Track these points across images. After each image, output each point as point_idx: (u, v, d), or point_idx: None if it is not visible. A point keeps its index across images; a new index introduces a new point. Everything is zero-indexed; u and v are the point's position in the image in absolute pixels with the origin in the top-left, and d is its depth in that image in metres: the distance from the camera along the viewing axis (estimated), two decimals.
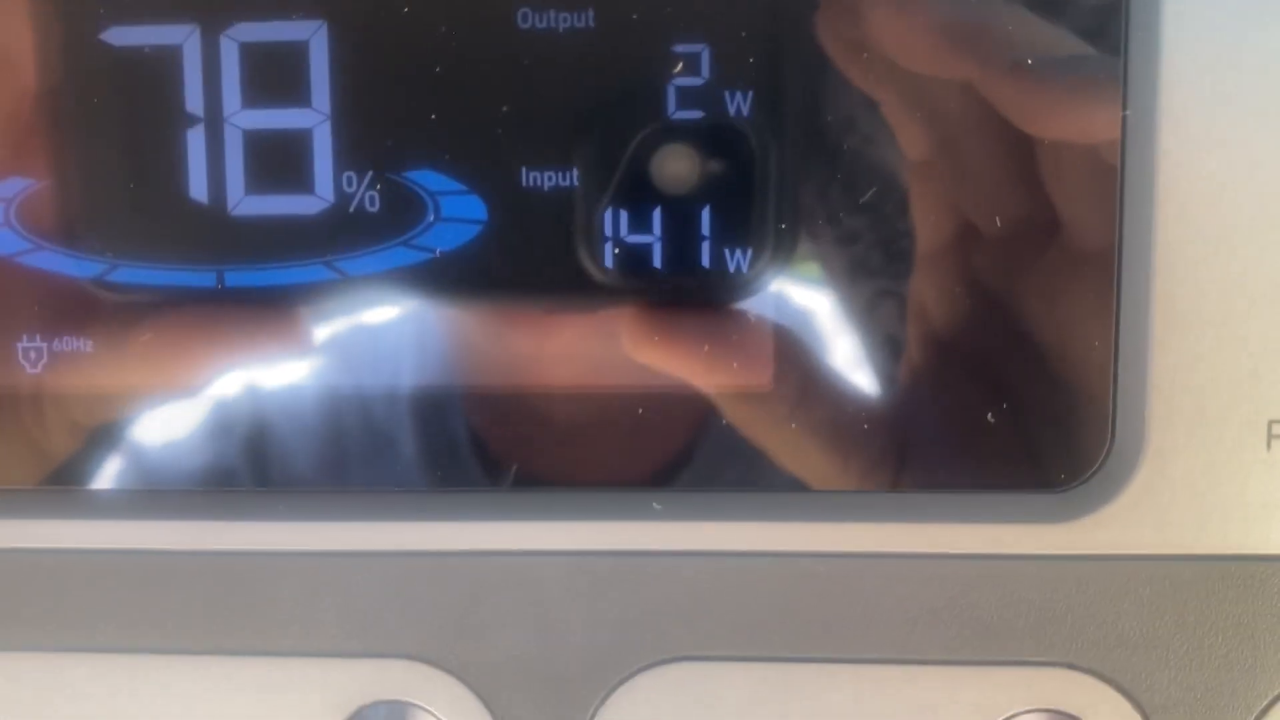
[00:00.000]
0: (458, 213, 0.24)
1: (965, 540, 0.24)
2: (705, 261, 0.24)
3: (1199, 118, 0.22)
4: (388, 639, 0.25)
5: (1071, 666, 0.24)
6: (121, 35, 0.24)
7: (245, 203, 0.24)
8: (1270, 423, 0.23)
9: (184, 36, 0.24)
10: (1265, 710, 0.24)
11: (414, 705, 0.25)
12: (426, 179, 0.24)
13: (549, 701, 0.25)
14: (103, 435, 0.25)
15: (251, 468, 0.25)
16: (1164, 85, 0.22)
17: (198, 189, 0.24)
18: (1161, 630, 0.24)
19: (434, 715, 0.25)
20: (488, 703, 0.25)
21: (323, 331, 0.24)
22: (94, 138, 0.24)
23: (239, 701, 0.25)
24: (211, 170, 0.24)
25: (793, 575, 0.24)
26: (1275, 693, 0.24)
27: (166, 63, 0.24)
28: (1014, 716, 0.24)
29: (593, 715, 0.25)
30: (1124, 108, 0.22)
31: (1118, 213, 0.23)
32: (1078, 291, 0.23)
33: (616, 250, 0.24)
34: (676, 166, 0.23)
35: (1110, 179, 0.23)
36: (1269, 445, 0.23)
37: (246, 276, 0.24)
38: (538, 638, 0.25)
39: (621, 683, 0.25)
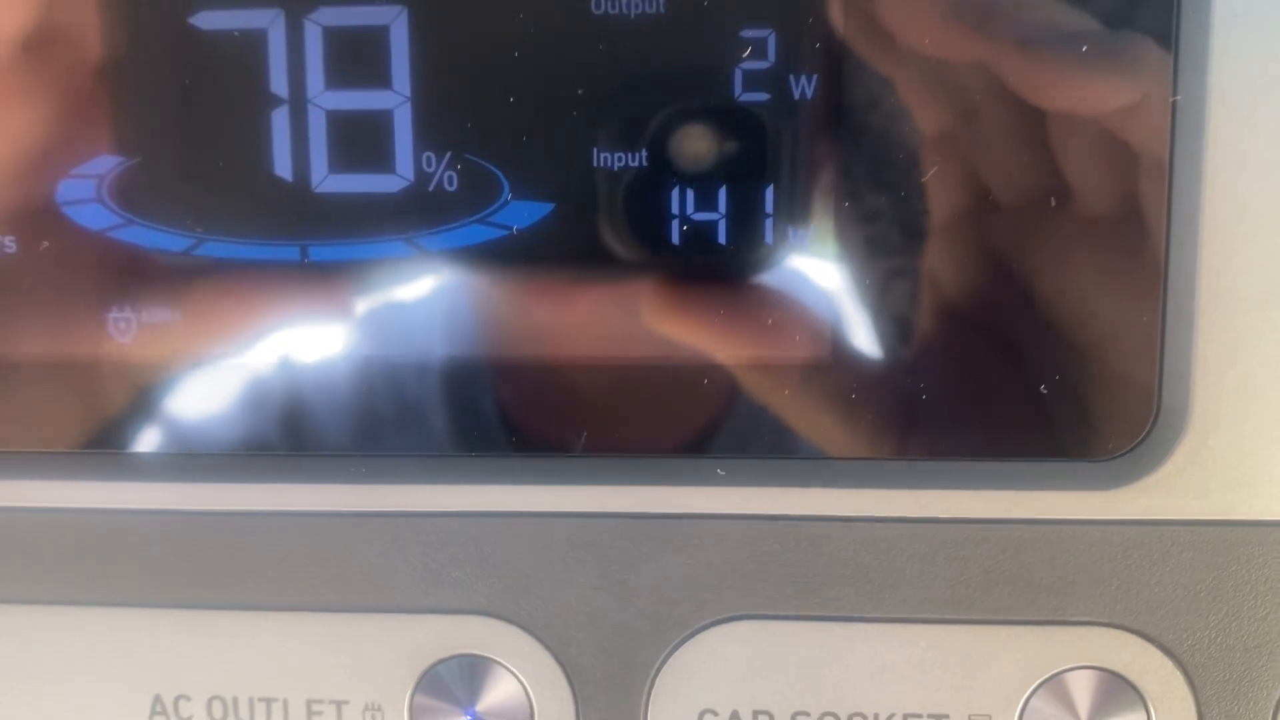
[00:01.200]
0: (531, 192, 0.25)
1: (1017, 506, 0.25)
2: (768, 238, 0.25)
3: (1248, 98, 0.23)
4: (463, 596, 0.26)
5: (1117, 626, 0.25)
6: (209, 19, 0.25)
7: (328, 181, 0.25)
8: None
9: (269, 20, 0.25)
10: None
11: (489, 659, 0.26)
12: (502, 160, 0.25)
13: (616, 655, 0.26)
14: (190, 402, 0.26)
15: (334, 432, 0.26)
16: (1213, 67, 0.23)
17: (282, 167, 0.25)
18: (1203, 593, 0.25)
19: (508, 668, 0.26)
20: (558, 656, 0.26)
21: (402, 304, 0.25)
22: (182, 118, 0.25)
23: (320, 655, 0.26)
24: (296, 149, 0.25)
25: (850, 539, 0.25)
26: None
27: (252, 46, 0.25)
28: (1061, 673, 0.25)
29: (658, 670, 0.26)
30: (1174, 92, 0.23)
31: (1168, 187, 0.23)
32: (1128, 265, 0.24)
33: (683, 228, 0.25)
34: (741, 148, 0.24)
35: (1161, 152, 0.23)
36: None
37: (329, 251, 0.25)
38: (605, 595, 0.26)
39: (686, 639, 0.26)
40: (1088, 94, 0.23)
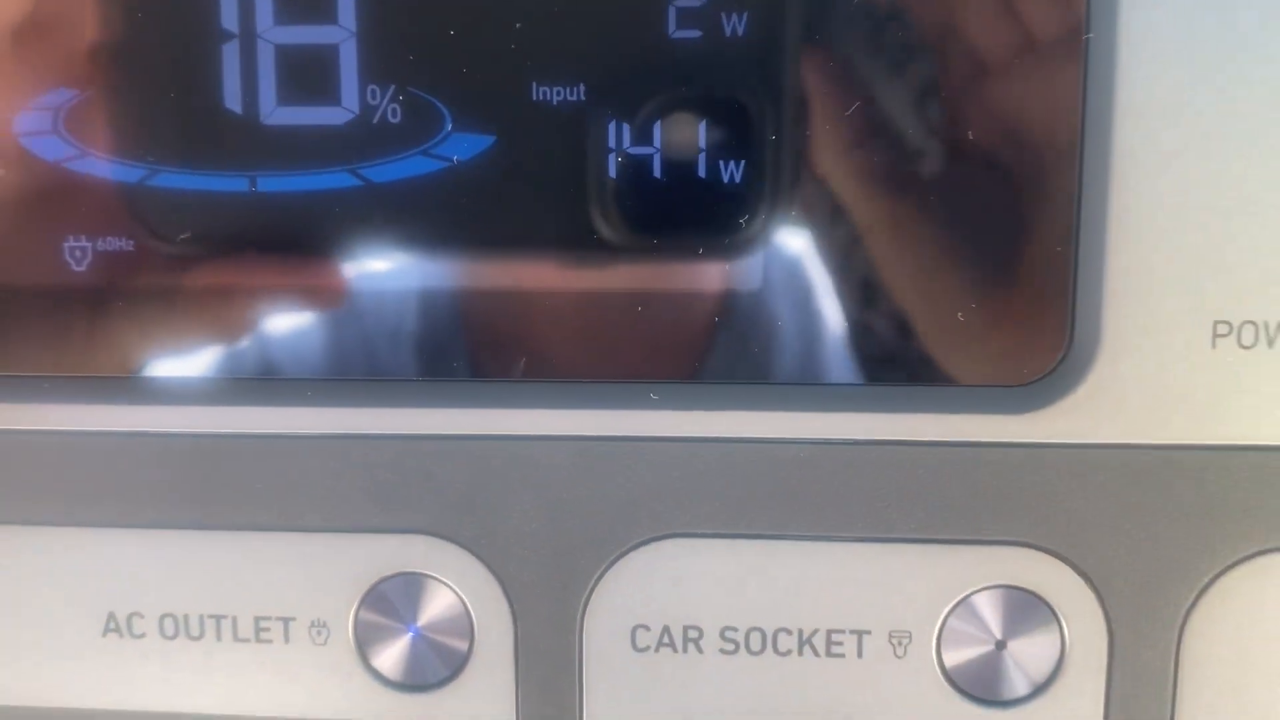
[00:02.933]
0: (472, 125, 0.25)
1: (935, 429, 0.26)
2: (701, 172, 0.25)
3: (1163, 22, 0.24)
4: (407, 516, 0.27)
5: (1031, 546, 0.26)
6: None
7: (277, 113, 0.26)
8: (1215, 323, 0.25)
9: None
10: (1206, 586, 0.26)
11: (430, 576, 0.27)
12: (444, 93, 0.25)
13: (553, 573, 0.27)
14: (142, 327, 0.27)
15: (280, 357, 0.27)
16: (1124, 4, 0.24)
17: (232, 100, 0.26)
18: (1113, 513, 0.26)
19: (448, 585, 0.27)
20: (497, 574, 0.27)
21: (347, 232, 0.26)
22: (136, 53, 0.26)
23: (268, 573, 0.27)
24: (245, 83, 0.26)
25: (776, 460, 0.26)
26: (1216, 570, 0.26)
27: None
28: (979, 590, 0.26)
29: (593, 586, 0.27)
30: (1086, 30, 0.24)
31: (1080, 125, 0.24)
32: (1042, 203, 0.25)
33: (619, 160, 0.25)
34: (674, 83, 0.25)
35: (1073, 91, 0.24)
36: (1214, 344, 0.25)
37: (277, 182, 0.26)
38: (543, 515, 0.26)
39: (620, 556, 0.27)
40: (1004, 30, 0.24)
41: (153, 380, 0.27)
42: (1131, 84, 0.24)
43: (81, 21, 0.26)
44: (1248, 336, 0.25)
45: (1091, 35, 0.24)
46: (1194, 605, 0.26)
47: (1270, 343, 0.25)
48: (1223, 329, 0.25)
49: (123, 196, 0.26)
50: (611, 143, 0.25)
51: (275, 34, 0.26)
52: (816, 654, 0.26)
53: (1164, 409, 0.25)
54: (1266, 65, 0.24)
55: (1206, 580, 0.26)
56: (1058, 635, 0.26)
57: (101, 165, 0.26)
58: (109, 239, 0.27)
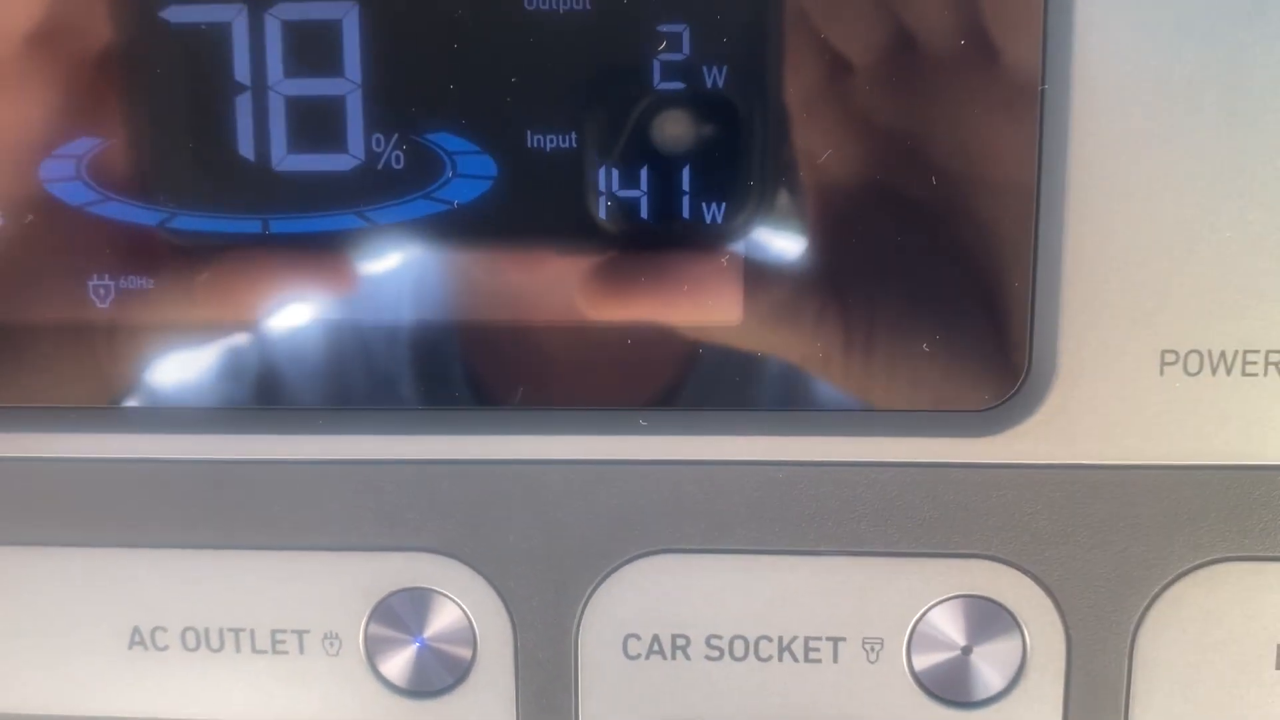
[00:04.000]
0: (472, 170, 0.27)
1: (904, 451, 0.27)
2: (685, 213, 0.26)
3: (1113, 75, 0.25)
4: (414, 536, 0.28)
5: (994, 559, 0.27)
6: (179, 13, 0.26)
7: (287, 160, 0.27)
8: (1163, 351, 0.26)
9: (233, 15, 0.26)
10: (1157, 595, 0.27)
11: (435, 591, 0.28)
12: (445, 140, 0.26)
13: (550, 586, 0.28)
14: (164, 362, 0.28)
15: (295, 389, 0.28)
16: (1077, 53, 0.25)
17: (245, 148, 0.27)
18: (1069, 528, 0.27)
19: (453, 599, 0.28)
20: (498, 588, 0.28)
21: (355, 271, 0.27)
22: (155, 103, 0.27)
23: (284, 590, 0.28)
24: (258, 132, 0.26)
25: (757, 481, 0.27)
26: (1166, 579, 0.27)
27: (218, 38, 0.26)
28: (946, 599, 0.27)
29: (587, 598, 0.28)
30: (1042, 81, 0.25)
31: (1036, 164, 0.25)
32: (1002, 236, 0.26)
33: (609, 203, 0.27)
34: (660, 131, 0.26)
35: (1031, 136, 0.25)
36: (1162, 371, 0.26)
37: (288, 224, 0.27)
38: (541, 533, 0.27)
39: (612, 571, 0.28)
40: (970, 83, 0.25)
41: (174, 410, 0.28)
42: (1084, 130, 0.25)
43: (104, 74, 0.27)
44: (1193, 364, 0.26)
45: (1046, 86, 0.25)
46: (1146, 612, 0.27)
47: (1214, 370, 0.26)
48: (1170, 357, 0.26)
49: (143, 238, 0.27)
50: (601, 186, 0.27)
51: (285, 86, 0.26)
52: (795, 660, 0.28)
53: (1116, 431, 0.26)
54: (1208, 113, 0.25)
55: (1157, 589, 0.27)
56: (1019, 641, 0.27)
57: (122, 209, 0.27)
58: (130, 278, 0.27)
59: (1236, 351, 0.26)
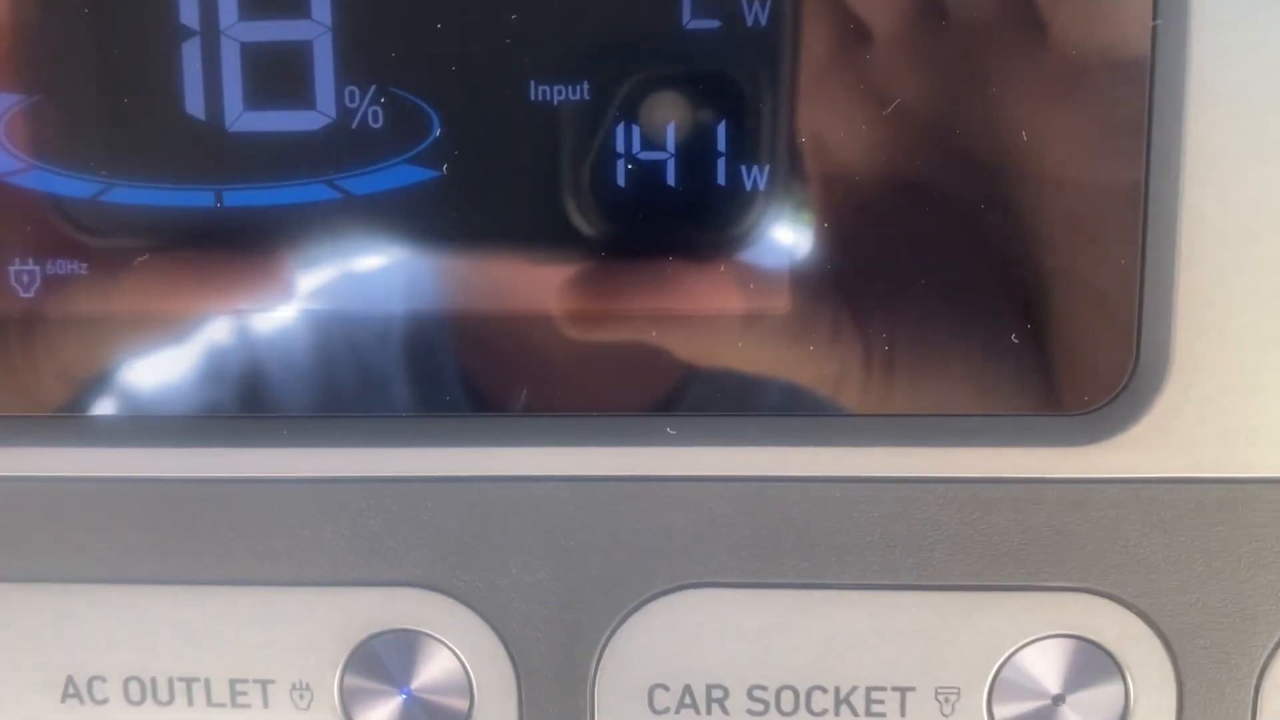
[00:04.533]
0: (463, 129, 0.24)
1: (985, 464, 0.24)
2: (720, 179, 0.24)
3: (1231, 35, 0.22)
4: (397, 567, 0.25)
5: (1093, 592, 0.25)
6: None
7: (244, 118, 0.24)
8: None
9: None
10: None
11: (424, 634, 0.26)
12: (431, 94, 0.24)
13: (561, 627, 0.25)
14: (99, 360, 0.25)
15: (254, 394, 0.25)
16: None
17: (194, 104, 0.24)
18: (1183, 554, 0.24)
19: (445, 643, 0.26)
20: (498, 630, 0.25)
21: (325, 252, 0.24)
22: (85, 51, 0.24)
23: (247, 631, 0.26)
24: (208, 85, 0.24)
25: (808, 500, 0.25)
26: None
27: None
28: (1032, 641, 0.25)
29: (606, 642, 0.25)
30: (1154, 17, 0.22)
31: (1146, 131, 0.23)
32: (1105, 209, 0.23)
33: (629, 167, 0.24)
34: (690, 80, 0.23)
35: (1139, 95, 0.23)
36: None
37: (246, 195, 0.24)
38: (548, 564, 0.25)
39: (634, 609, 0.25)
40: (1062, 29, 0.22)
41: (111, 420, 0.25)
42: (1201, 82, 0.23)
43: (24, 20, 0.24)
44: None
45: (1159, 22, 0.22)
46: (1273, 655, 0.25)
47: None
48: None
49: (73, 214, 0.25)
50: (620, 147, 0.24)
51: (240, 30, 0.24)
52: (855, 714, 0.25)
53: (1238, 437, 0.24)
54: None
55: None
56: (1121, 689, 0.25)
57: (49, 179, 0.25)
58: (59, 261, 0.25)
59: None
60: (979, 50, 0.23)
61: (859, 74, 0.23)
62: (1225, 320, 0.23)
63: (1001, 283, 0.23)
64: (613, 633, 0.26)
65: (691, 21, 0.23)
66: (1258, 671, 0.25)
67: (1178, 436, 0.24)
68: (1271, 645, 0.24)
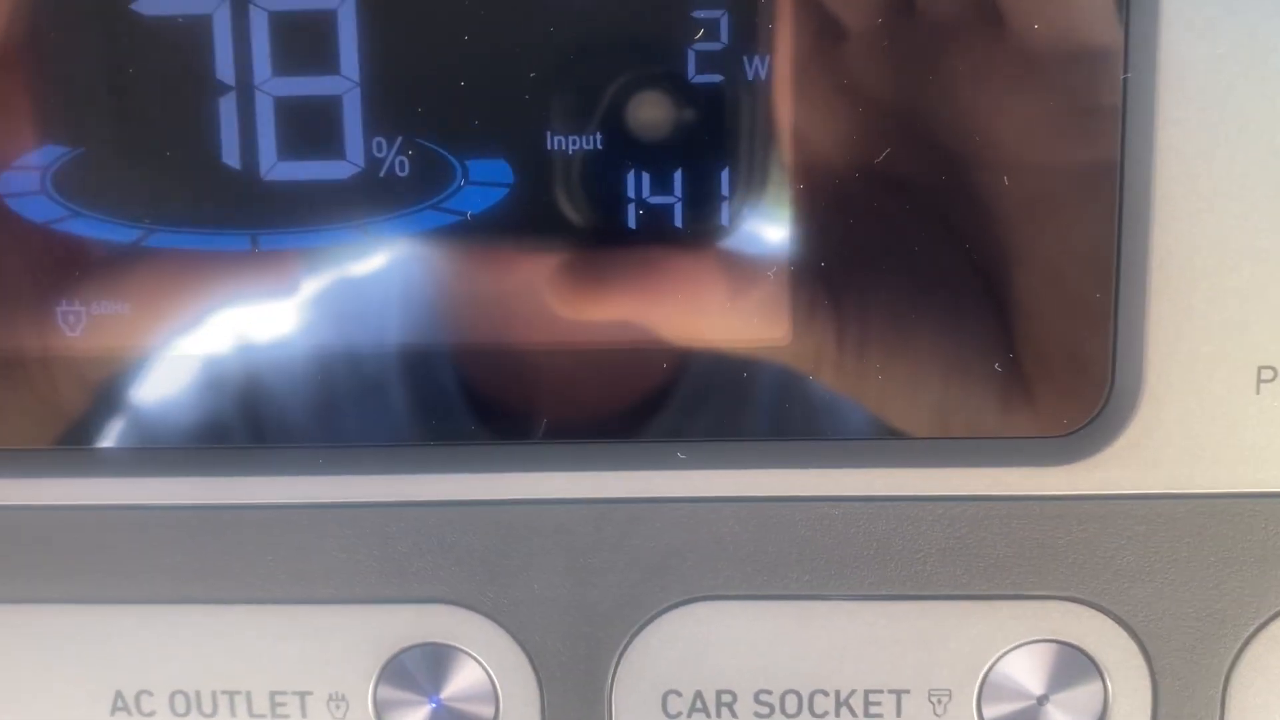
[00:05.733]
0: (485, 177, 0.24)
1: (972, 483, 0.25)
2: (725, 220, 0.24)
3: (1200, 77, 0.23)
4: (426, 585, 0.26)
5: (1073, 600, 0.25)
6: (152, 5, 0.24)
7: (278, 168, 0.25)
8: (1260, 368, 0.24)
9: (213, 5, 0.24)
10: (1252, 636, 0.25)
11: (452, 647, 0.26)
12: (454, 144, 0.24)
13: (580, 639, 0.26)
14: (143, 396, 0.26)
15: (292, 424, 0.26)
16: (1163, 45, 0.23)
17: (230, 155, 0.25)
18: (1156, 564, 0.25)
19: (472, 655, 0.26)
20: (522, 642, 0.26)
21: (357, 293, 0.25)
22: (127, 106, 0.25)
23: (283, 647, 0.26)
24: (244, 137, 0.24)
25: (810, 519, 0.25)
26: (1261, 620, 0.25)
27: (197, 32, 0.24)
28: (1018, 646, 0.25)
29: (622, 652, 0.26)
30: (1125, 70, 0.23)
31: (1119, 161, 0.23)
32: (1080, 241, 0.24)
33: (639, 211, 0.24)
34: (695, 130, 0.24)
35: (1111, 128, 0.23)
36: (1258, 389, 0.24)
37: (280, 239, 0.25)
38: (568, 581, 0.26)
39: (648, 621, 0.26)
40: (1041, 64, 0.23)
41: (157, 451, 0.26)
42: (1172, 117, 0.23)
43: (69, 75, 0.25)
44: None
45: (1129, 75, 0.23)
46: (1240, 655, 0.25)
47: None
48: (1268, 374, 0.24)
49: (117, 257, 0.25)
50: (631, 192, 0.24)
51: (274, 85, 0.24)
52: (855, 716, 0.26)
53: (1208, 457, 0.24)
54: None
55: (1252, 629, 0.25)
56: (1101, 689, 0.26)
57: (95, 225, 0.25)
58: (104, 302, 0.25)
59: None
60: (960, 91, 0.23)
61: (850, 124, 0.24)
62: (1194, 347, 0.24)
63: (985, 315, 0.24)
64: (628, 644, 0.26)
65: (696, 77, 0.24)
66: (1226, 670, 0.25)
67: (1151, 455, 0.24)
68: (1239, 645, 0.25)
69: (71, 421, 0.26)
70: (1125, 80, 0.23)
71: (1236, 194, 0.23)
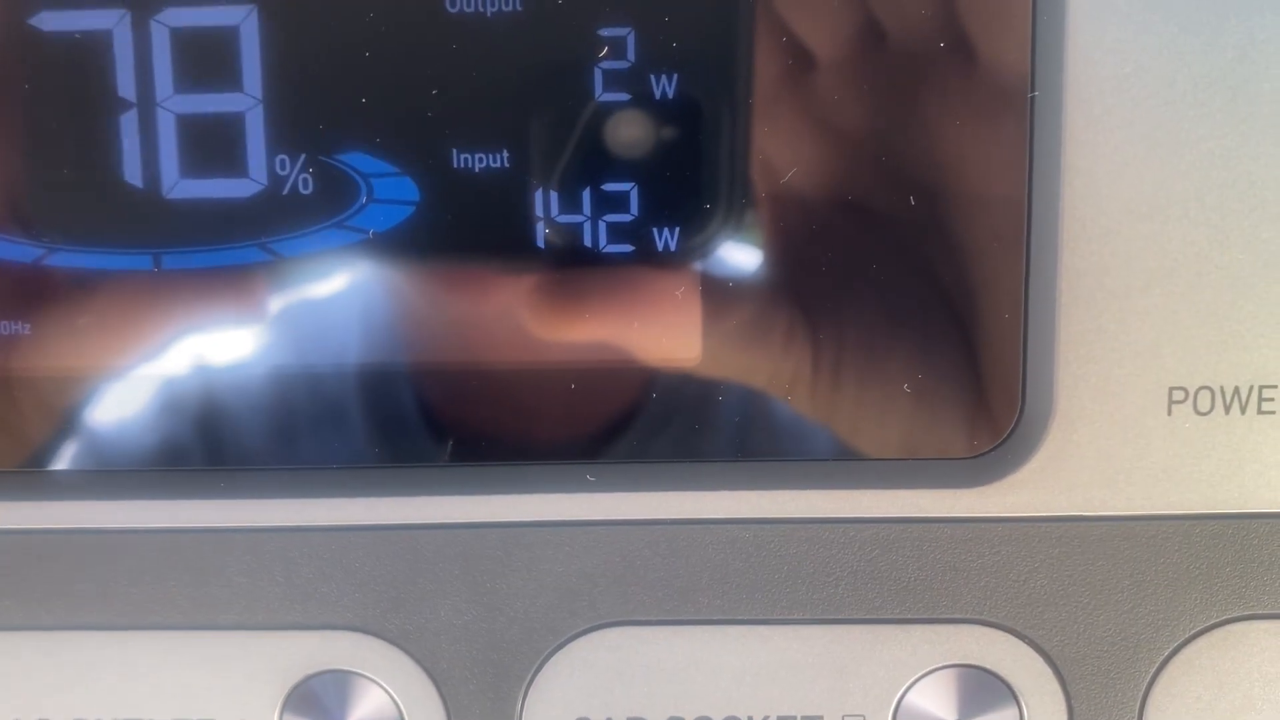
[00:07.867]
0: (390, 194, 0.24)
1: (883, 506, 0.25)
2: (633, 240, 0.24)
3: (1106, 96, 0.23)
4: (331, 611, 0.25)
5: (986, 623, 0.25)
6: (51, 20, 0.24)
7: (180, 186, 0.24)
8: (1171, 389, 0.24)
9: (114, 21, 0.24)
10: (1167, 660, 0.25)
11: (358, 674, 0.26)
12: (359, 161, 0.24)
13: (488, 666, 0.25)
14: (42, 418, 0.25)
15: (192, 446, 0.25)
16: (1069, 63, 0.23)
17: (132, 173, 0.24)
18: (1070, 587, 0.25)
19: (378, 683, 0.26)
20: (429, 670, 0.26)
21: (259, 312, 0.25)
22: (27, 123, 0.24)
23: (186, 676, 0.26)
24: (145, 154, 0.24)
25: (720, 541, 0.25)
26: (1176, 642, 0.25)
27: (97, 48, 0.24)
28: (931, 671, 0.25)
29: (531, 679, 0.26)
30: (1031, 87, 0.23)
31: (1027, 188, 0.23)
32: (989, 266, 0.24)
33: (547, 231, 0.24)
34: (604, 148, 0.24)
35: (1020, 157, 0.23)
36: (1169, 411, 0.24)
37: (183, 259, 0.25)
38: (475, 606, 0.25)
39: (558, 647, 0.25)
40: (950, 89, 0.23)
41: (51, 474, 0.25)
42: (1079, 142, 0.23)
43: None
44: (1204, 402, 0.24)
45: (1036, 94, 0.23)
46: (1155, 679, 0.25)
47: (1227, 408, 0.24)
48: (1179, 395, 0.24)
49: (17, 277, 0.25)
50: (539, 211, 0.24)
51: (176, 103, 0.24)
52: None
53: (1119, 479, 0.24)
54: (1216, 120, 0.23)
55: (1167, 653, 0.25)
56: (1016, 713, 0.25)
57: None
58: (3, 323, 0.25)
59: (1252, 387, 0.24)
60: (844, 83, 0.23)
61: (762, 144, 0.24)
62: (1105, 369, 0.24)
63: (895, 336, 0.24)
64: (538, 670, 0.26)
65: (603, 94, 0.24)
66: (1141, 694, 0.25)
67: (1062, 478, 0.24)
68: (1154, 670, 0.25)
69: None
70: (1032, 99, 0.23)
71: (1145, 214, 0.23)
